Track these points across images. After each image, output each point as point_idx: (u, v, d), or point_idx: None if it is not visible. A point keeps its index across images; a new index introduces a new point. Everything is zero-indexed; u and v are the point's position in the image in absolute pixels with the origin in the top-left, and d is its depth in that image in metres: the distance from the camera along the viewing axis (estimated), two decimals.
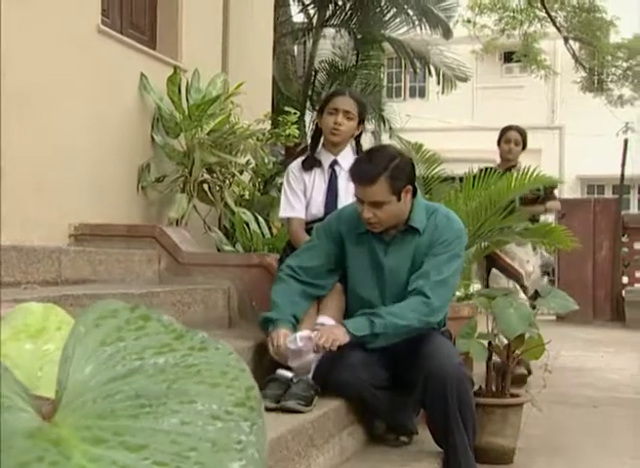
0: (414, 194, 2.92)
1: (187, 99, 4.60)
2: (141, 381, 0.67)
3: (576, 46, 14.38)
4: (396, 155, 2.87)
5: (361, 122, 3.48)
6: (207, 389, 0.66)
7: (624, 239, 9.07)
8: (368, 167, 2.81)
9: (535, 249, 5.43)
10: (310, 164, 3.48)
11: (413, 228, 2.91)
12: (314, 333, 2.80)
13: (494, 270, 5.15)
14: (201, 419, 0.63)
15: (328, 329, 2.82)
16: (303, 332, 2.78)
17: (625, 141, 10.02)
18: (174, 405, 0.64)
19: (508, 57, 18.81)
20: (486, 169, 4.94)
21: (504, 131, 5.40)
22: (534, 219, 5.13)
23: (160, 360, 0.69)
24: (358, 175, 2.84)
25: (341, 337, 2.75)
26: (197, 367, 0.69)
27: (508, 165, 5.16)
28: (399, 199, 2.83)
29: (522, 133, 5.40)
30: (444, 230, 2.91)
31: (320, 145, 3.53)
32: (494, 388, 3.39)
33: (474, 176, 4.19)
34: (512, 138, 5.31)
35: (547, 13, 13.68)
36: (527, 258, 5.25)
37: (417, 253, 2.91)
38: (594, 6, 14.11)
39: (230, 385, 0.67)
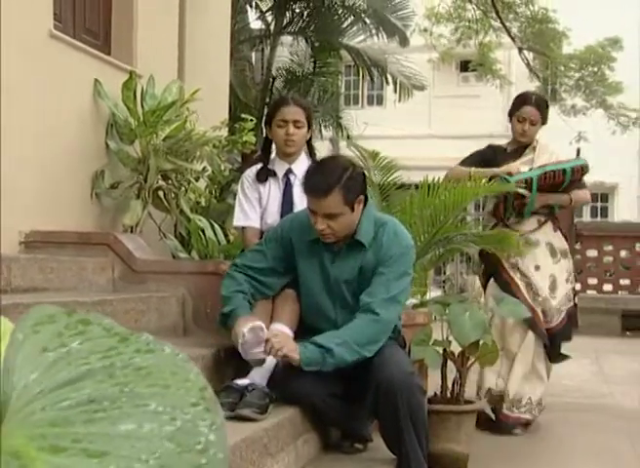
0: (364, 204, 2.93)
1: (142, 106, 4.56)
2: (92, 386, 0.66)
3: (530, 56, 14.62)
4: (349, 166, 2.86)
5: (309, 127, 3.49)
6: (160, 391, 0.65)
7: (577, 246, 9.20)
8: (321, 179, 2.80)
9: (556, 254, 4.16)
10: (265, 175, 3.48)
11: (358, 242, 2.92)
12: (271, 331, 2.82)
13: (492, 281, 4.18)
14: (158, 421, 0.62)
15: (285, 340, 2.79)
16: (251, 325, 2.76)
17: (578, 150, 10.18)
18: (128, 408, 0.63)
19: (465, 66, 19.05)
20: (490, 146, 4.34)
21: (519, 104, 4.17)
22: (551, 209, 4.17)
23: (108, 363, 0.68)
24: (311, 187, 2.82)
25: (294, 357, 2.74)
26: (147, 369, 0.68)
27: (521, 144, 4.22)
28: (352, 210, 2.84)
29: (541, 106, 4.17)
30: (391, 246, 2.91)
31: (273, 155, 3.53)
32: (449, 394, 3.41)
33: (429, 184, 4.09)
34: (528, 117, 4.12)
35: (502, 23, 13.88)
36: (537, 263, 4.11)
37: (364, 266, 2.91)
38: (547, 17, 14.37)
39: (183, 386, 0.67)
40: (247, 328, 2.75)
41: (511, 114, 4.21)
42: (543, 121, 4.21)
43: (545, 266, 4.14)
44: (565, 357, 4.32)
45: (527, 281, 4.10)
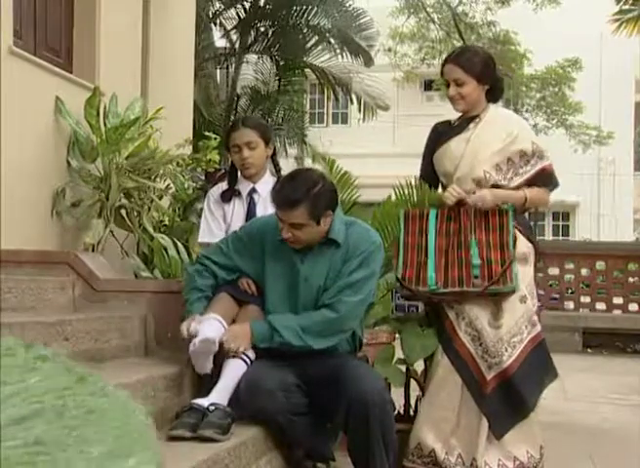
0: (333, 209, 2.94)
1: (105, 123, 4.53)
2: (41, 426, 0.64)
3: None
4: (318, 181, 2.87)
5: (267, 143, 3.50)
6: (108, 437, 0.64)
7: (539, 265, 9.25)
8: (289, 192, 2.82)
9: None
10: (229, 196, 3.52)
11: (332, 240, 2.93)
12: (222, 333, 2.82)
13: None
14: None
15: (234, 335, 2.83)
16: (202, 338, 2.77)
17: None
18: (73, 453, 0.61)
19: (428, 85, 19.27)
20: (434, 130, 3.42)
21: (441, 66, 3.30)
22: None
23: (60, 403, 0.67)
24: (279, 199, 2.85)
25: (245, 345, 2.82)
26: (98, 412, 0.66)
27: (467, 116, 3.27)
28: (318, 223, 2.85)
29: (464, 61, 3.17)
30: (362, 241, 2.94)
31: (239, 175, 3.56)
32: (412, 413, 3.42)
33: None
34: (449, 78, 3.19)
35: (465, 44, 14.09)
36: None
37: (332, 262, 2.94)
38: (508, 39, 14.64)
39: (131, 432, 0.65)
40: (200, 338, 2.75)
41: None
42: (480, 79, 3.18)
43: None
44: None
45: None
